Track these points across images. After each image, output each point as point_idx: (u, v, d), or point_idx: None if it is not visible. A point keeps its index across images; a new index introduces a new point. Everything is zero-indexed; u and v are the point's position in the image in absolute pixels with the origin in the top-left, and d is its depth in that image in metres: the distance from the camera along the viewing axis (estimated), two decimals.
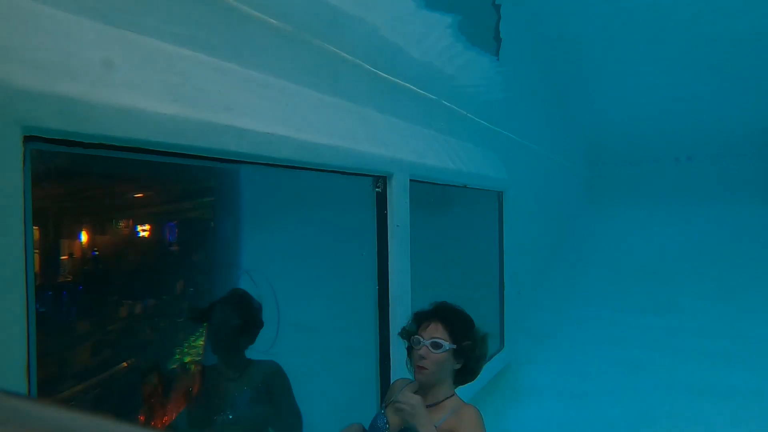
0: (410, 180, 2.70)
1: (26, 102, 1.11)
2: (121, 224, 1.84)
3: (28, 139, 1.12)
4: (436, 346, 1.87)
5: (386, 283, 2.58)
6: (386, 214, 2.55)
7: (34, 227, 1.23)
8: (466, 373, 2.01)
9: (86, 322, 1.65)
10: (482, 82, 4.64)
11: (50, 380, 1.50)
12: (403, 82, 3.46)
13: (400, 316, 2.66)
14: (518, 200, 4.97)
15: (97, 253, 1.68)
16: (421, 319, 1.96)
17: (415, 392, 1.86)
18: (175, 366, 1.98)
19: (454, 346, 1.90)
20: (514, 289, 4.71)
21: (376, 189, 2.56)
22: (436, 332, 1.89)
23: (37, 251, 1.35)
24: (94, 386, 1.66)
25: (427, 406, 1.84)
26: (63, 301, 1.58)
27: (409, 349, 1.96)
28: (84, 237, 1.66)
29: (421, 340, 1.87)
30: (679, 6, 4.72)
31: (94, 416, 0.34)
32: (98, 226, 1.72)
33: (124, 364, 1.77)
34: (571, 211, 10.33)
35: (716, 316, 6.03)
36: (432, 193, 3.29)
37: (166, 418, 1.91)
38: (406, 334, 1.97)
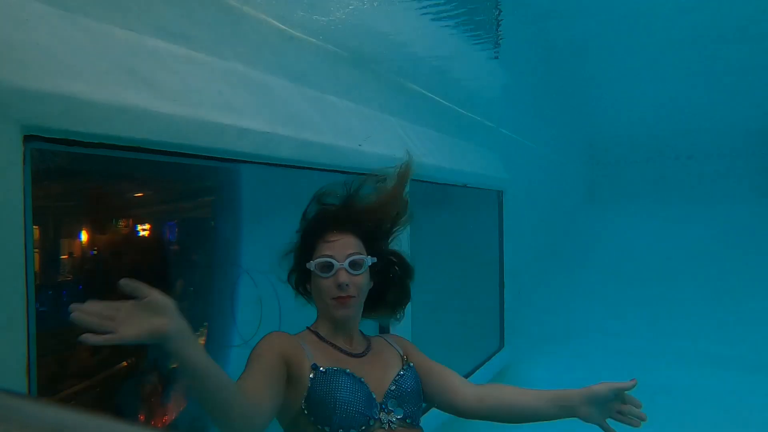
0: (410, 180, 2.70)
1: (26, 102, 1.11)
2: (121, 224, 1.84)
3: (28, 139, 1.12)
4: (356, 265, 1.40)
5: None
6: None
7: (34, 227, 1.23)
8: (387, 297, 1.55)
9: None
10: (482, 81, 4.63)
11: (50, 380, 1.51)
12: (403, 81, 3.46)
13: (401, 322, 2.66)
14: (518, 199, 4.97)
15: (96, 252, 1.68)
16: (317, 231, 1.44)
17: (332, 338, 1.42)
18: (175, 365, 1.98)
19: (375, 259, 1.46)
20: (514, 288, 4.71)
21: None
22: (350, 246, 1.42)
23: (37, 250, 1.35)
24: (94, 386, 1.66)
25: (362, 355, 1.43)
26: (63, 301, 1.58)
27: (301, 282, 1.48)
28: (84, 236, 1.66)
29: (334, 262, 1.38)
30: (679, 6, 4.72)
31: (94, 416, 0.34)
32: (98, 225, 1.72)
33: (124, 363, 1.77)
34: (571, 209, 10.33)
35: (716, 316, 6.03)
36: (432, 193, 3.28)
37: (165, 417, 1.91)
38: (301, 258, 1.45)
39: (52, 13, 1.32)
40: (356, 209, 1.48)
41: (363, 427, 1.29)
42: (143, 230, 2.07)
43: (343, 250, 1.40)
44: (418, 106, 3.56)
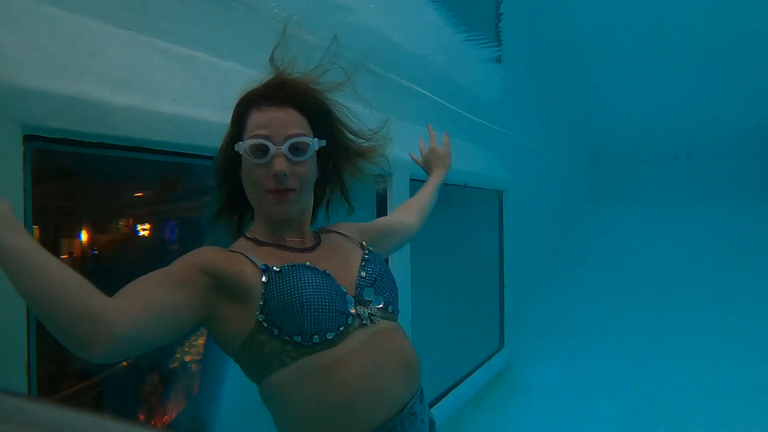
0: (410, 179, 2.70)
1: (26, 101, 1.11)
2: (121, 223, 1.84)
3: (28, 139, 1.12)
4: (298, 150, 1.09)
5: None
6: (386, 212, 2.56)
7: (34, 226, 1.23)
8: (336, 189, 1.29)
9: None
10: (482, 80, 4.63)
11: (50, 379, 1.51)
12: (402, 81, 3.46)
13: (400, 317, 2.66)
14: (518, 199, 4.97)
15: (96, 252, 1.68)
16: (248, 104, 1.11)
17: (275, 239, 1.16)
18: (175, 365, 1.98)
19: (323, 143, 1.15)
20: (514, 288, 4.71)
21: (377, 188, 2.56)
22: (291, 125, 1.10)
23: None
24: (94, 385, 1.66)
25: (313, 249, 1.18)
26: None
27: (228, 169, 1.17)
28: (84, 236, 1.66)
29: (269, 145, 1.06)
30: (679, 6, 4.72)
31: (94, 415, 0.34)
32: (98, 225, 1.72)
33: (124, 363, 1.77)
34: (571, 209, 10.33)
35: (717, 315, 6.03)
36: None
37: (165, 417, 1.91)
38: (231, 142, 1.13)
39: (52, 13, 1.32)
40: (301, 78, 1.14)
41: (341, 328, 1.05)
42: (143, 230, 2.07)
43: (281, 129, 1.08)
44: (417, 105, 3.56)
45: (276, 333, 1.02)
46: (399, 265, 2.60)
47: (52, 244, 1.52)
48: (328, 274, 1.10)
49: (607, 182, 12.76)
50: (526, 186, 5.90)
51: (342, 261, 1.19)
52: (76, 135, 1.22)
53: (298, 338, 1.02)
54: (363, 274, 1.18)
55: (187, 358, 2.10)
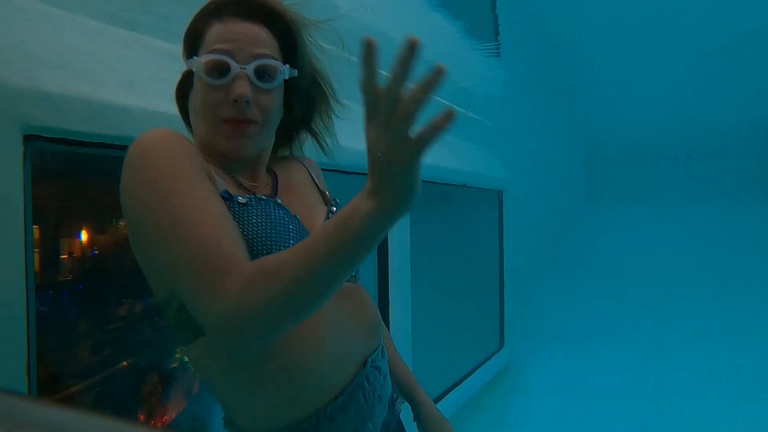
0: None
1: (26, 101, 1.11)
2: (121, 223, 1.84)
3: (28, 139, 1.12)
4: (265, 74, 0.88)
5: (386, 281, 2.57)
6: None
7: (34, 226, 1.23)
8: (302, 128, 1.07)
9: (86, 321, 1.65)
10: (482, 80, 4.63)
11: (50, 379, 1.51)
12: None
13: (400, 317, 2.67)
14: (518, 199, 4.97)
15: (97, 252, 1.68)
16: (212, 13, 0.89)
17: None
18: (175, 365, 1.98)
19: (295, 72, 0.93)
20: (514, 288, 4.71)
21: None
22: (259, 43, 0.88)
23: (36, 250, 1.35)
24: (94, 385, 1.66)
25: (273, 193, 0.97)
26: (63, 300, 1.59)
27: (184, 88, 1.00)
28: (84, 236, 1.66)
29: (231, 62, 0.85)
30: (679, 6, 4.72)
31: (94, 415, 0.34)
32: (98, 225, 1.72)
33: (124, 363, 1.77)
34: (571, 209, 10.33)
35: (717, 315, 6.03)
36: (432, 193, 3.29)
37: (165, 417, 1.91)
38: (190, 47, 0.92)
39: (52, 13, 1.32)
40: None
41: None
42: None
43: (248, 46, 0.86)
44: None
45: None
46: (399, 265, 2.60)
47: (52, 244, 1.52)
48: (299, 219, 0.89)
49: (607, 182, 12.76)
50: (526, 186, 5.90)
51: (305, 207, 0.98)
52: (76, 135, 1.22)
53: None
54: None
55: (187, 358, 2.10)
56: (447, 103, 4.22)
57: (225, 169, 0.92)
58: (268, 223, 0.83)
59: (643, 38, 5.77)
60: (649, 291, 7.17)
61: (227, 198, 0.82)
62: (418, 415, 1.19)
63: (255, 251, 0.79)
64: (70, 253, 1.59)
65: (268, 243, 0.81)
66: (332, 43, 1.09)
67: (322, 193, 1.10)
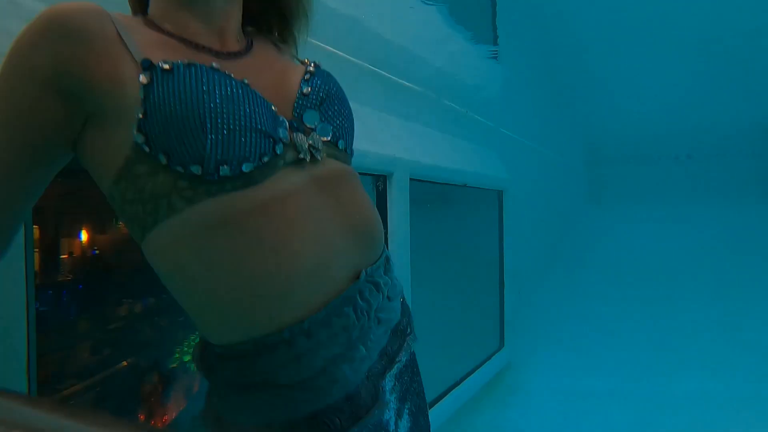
0: (410, 179, 2.70)
1: None
2: (121, 223, 1.84)
3: None
4: None
5: None
6: (386, 212, 2.56)
7: (34, 226, 1.23)
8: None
9: (86, 321, 1.65)
10: (482, 79, 4.63)
11: (50, 379, 1.51)
12: (402, 81, 3.46)
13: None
14: (518, 199, 4.97)
15: (97, 252, 1.68)
16: None
17: (182, 28, 0.79)
18: (175, 365, 1.98)
19: None
20: (514, 288, 4.71)
21: (377, 187, 2.57)
22: None
23: (36, 250, 1.35)
24: (94, 385, 1.66)
25: (239, 55, 0.82)
26: (63, 300, 1.59)
27: None
28: (84, 236, 1.66)
29: None
30: (679, 6, 4.72)
31: (94, 415, 0.34)
32: (98, 225, 1.72)
33: (124, 363, 1.77)
34: (572, 209, 10.33)
35: (717, 315, 6.03)
36: (431, 192, 3.29)
37: (165, 417, 1.91)
38: None
39: None
40: None
41: (265, 158, 0.72)
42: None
43: None
44: (418, 105, 3.56)
45: (163, 161, 0.67)
46: (399, 264, 2.60)
47: (52, 244, 1.52)
48: (247, 84, 0.73)
49: (607, 182, 12.77)
50: (526, 186, 5.90)
51: (275, 72, 0.84)
52: None
53: (196, 169, 0.67)
54: (306, 90, 0.83)
55: (187, 358, 2.10)
56: (449, 103, 4.23)
57: (181, 18, 0.79)
58: (197, 88, 0.68)
59: (643, 38, 5.78)
60: (649, 291, 7.17)
61: (148, 67, 0.68)
62: None
63: (182, 118, 0.67)
64: (70, 253, 1.59)
65: (200, 108, 0.67)
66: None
67: (304, 61, 0.94)
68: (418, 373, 0.98)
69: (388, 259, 0.91)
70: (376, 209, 0.90)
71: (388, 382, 0.86)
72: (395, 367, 0.89)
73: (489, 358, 4.24)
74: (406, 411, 0.90)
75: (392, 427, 0.85)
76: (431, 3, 3.19)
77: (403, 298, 0.98)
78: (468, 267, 4.14)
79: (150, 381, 1.86)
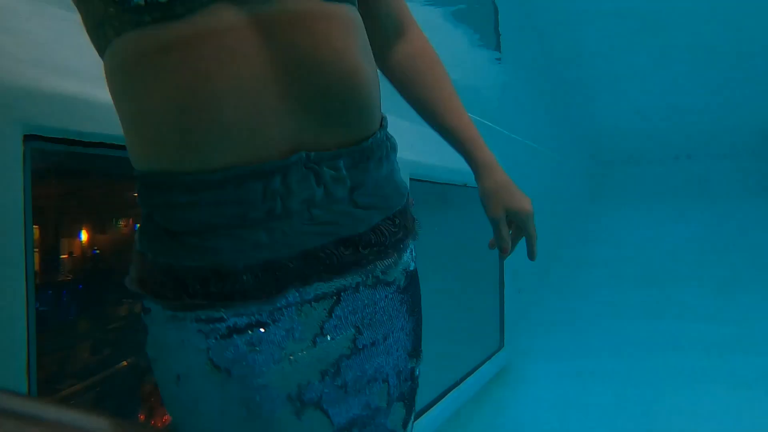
0: (410, 179, 2.70)
1: (26, 101, 1.11)
2: (121, 223, 1.84)
3: (28, 138, 1.12)
4: None
5: None
6: None
7: (34, 226, 1.23)
8: None
9: (86, 321, 1.65)
10: (483, 80, 4.64)
11: (50, 379, 1.51)
12: None
13: None
14: None
15: (97, 252, 1.69)
16: None
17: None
18: None
19: None
20: (514, 287, 4.71)
21: None
22: None
23: (37, 250, 1.35)
24: (94, 385, 1.67)
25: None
26: (63, 300, 1.59)
27: None
28: (84, 236, 1.66)
29: None
30: (679, 6, 4.73)
31: (94, 415, 0.34)
32: (98, 225, 1.72)
33: (124, 363, 1.77)
34: (573, 209, 10.33)
35: (718, 316, 6.03)
36: (431, 192, 3.29)
37: (165, 417, 1.91)
38: None
39: (52, 12, 1.32)
40: None
41: None
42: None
43: None
44: None
45: None
46: None
47: (52, 244, 1.52)
48: None
49: (607, 182, 12.76)
50: (526, 186, 5.89)
51: None
52: (76, 135, 1.22)
53: None
54: None
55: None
56: None
57: None
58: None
59: (643, 39, 5.78)
60: (649, 290, 7.17)
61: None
62: (477, 179, 1.01)
63: None
64: (70, 253, 1.59)
65: None
66: None
67: None
68: (401, 311, 0.87)
69: (373, 153, 0.78)
70: (369, 74, 0.76)
71: (311, 293, 0.72)
72: (334, 283, 0.74)
73: (489, 358, 4.24)
74: (358, 344, 0.78)
75: (298, 348, 0.72)
76: (432, 4, 3.19)
77: (413, 229, 0.91)
78: (468, 267, 4.14)
79: (150, 381, 1.86)
